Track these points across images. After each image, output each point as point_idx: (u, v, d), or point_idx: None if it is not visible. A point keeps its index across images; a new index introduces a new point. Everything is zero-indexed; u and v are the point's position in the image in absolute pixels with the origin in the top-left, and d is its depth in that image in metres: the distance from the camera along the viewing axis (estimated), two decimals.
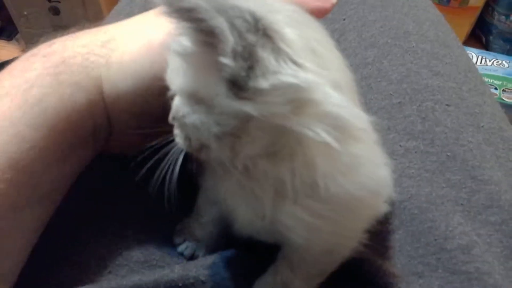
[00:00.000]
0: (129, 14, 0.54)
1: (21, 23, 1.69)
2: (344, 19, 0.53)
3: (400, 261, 0.37)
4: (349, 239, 0.30)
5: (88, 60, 0.28)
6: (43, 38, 0.32)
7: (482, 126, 0.44)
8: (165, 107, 0.26)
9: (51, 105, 0.27)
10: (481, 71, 1.51)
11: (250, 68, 0.21)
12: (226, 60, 0.21)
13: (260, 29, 0.21)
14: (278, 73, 0.21)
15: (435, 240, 0.37)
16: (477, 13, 1.61)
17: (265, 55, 0.21)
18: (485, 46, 1.74)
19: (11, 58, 1.67)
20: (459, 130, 0.43)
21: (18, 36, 1.81)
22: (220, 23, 0.20)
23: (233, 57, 0.21)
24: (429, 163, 0.41)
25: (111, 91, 0.29)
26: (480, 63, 1.53)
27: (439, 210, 0.38)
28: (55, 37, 0.31)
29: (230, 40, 0.20)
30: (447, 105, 0.44)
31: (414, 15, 0.53)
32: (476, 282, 0.34)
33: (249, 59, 0.21)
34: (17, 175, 0.26)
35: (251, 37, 0.21)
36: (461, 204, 0.39)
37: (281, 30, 0.22)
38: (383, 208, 0.30)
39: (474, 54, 1.55)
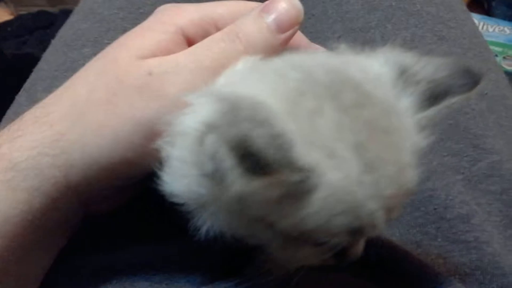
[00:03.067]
0: None
1: None
2: None
3: (399, 230, 0.37)
4: None
5: (41, 162, 0.26)
6: None
7: (486, 94, 0.43)
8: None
9: (2, 214, 0.25)
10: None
11: None
12: None
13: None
14: None
15: (435, 209, 0.36)
16: None
17: None
18: (487, 11, 1.71)
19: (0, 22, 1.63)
20: None
21: None
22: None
23: None
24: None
25: (77, 182, 0.27)
26: (482, 29, 1.50)
27: (439, 179, 0.37)
28: None
29: None
30: None
31: None
32: (475, 251, 0.34)
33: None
34: None
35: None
36: (462, 173, 0.38)
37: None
38: None
39: (476, 20, 1.52)
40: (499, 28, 1.47)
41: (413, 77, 0.24)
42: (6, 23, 1.66)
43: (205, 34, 0.28)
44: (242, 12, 0.28)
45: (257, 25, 0.27)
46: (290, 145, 0.19)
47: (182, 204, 0.25)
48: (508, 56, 1.38)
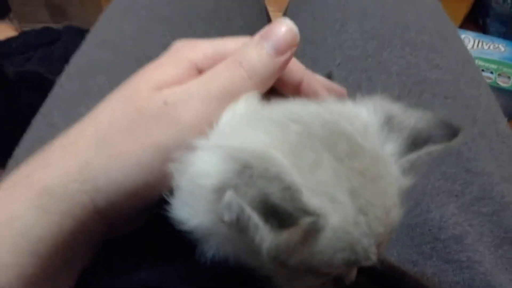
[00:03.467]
0: (130, 4, 0.55)
1: (14, 2, 1.68)
2: (345, 9, 0.54)
3: (397, 250, 0.39)
4: None
5: (70, 188, 0.28)
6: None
7: (477, 119, 0.45)
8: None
9: (36, 236, 0.27)
10: (478, 55, 1.51)
11: None
12: None
13: None
14: None
15: (430, 230, 0.39)
16: None
17: None
18: (482, 28, 1.75)
19: (4, 38, 1.66)
20: (456, 123, 0.44)
21: (10, 15, 1.79)
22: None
23: None
24: None
25: (104, 206, 0.29)
26: (477, 46, 1.53)
27: (434, 202, 0.40)
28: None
29: None
30: (445, 97, 0.46)
31: (414, 6, 0.54)
32: (468, 270, 0.36)
33: None
34: None
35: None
36: (455, 196, 0.40)
37: None
38: None
39: (470, 38, 1.56)
40: (494, 45, 1.50)
41: (397, 125, 0.27)
42: (11, 40, 1.69)
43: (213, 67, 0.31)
44: None
45: (257, 52, 0.29)
46: (300, 195, 0.21)
47: (189, 231, 0.27)
48: (503, 73, 1.41)
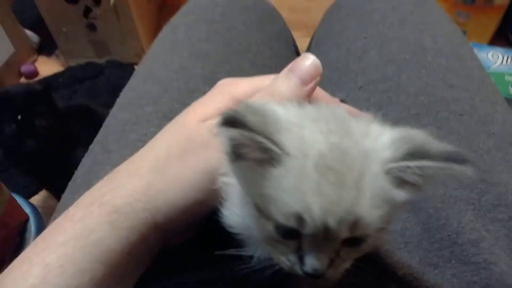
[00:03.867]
0: (172, 42, 0.61)
1: (60, 39, 1.80)
2: (365, 37, 0.59)
3: (418, 254, 0.42)
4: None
5: (136, 207, 0.33)
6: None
7: (493, 133, 0.48)
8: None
9: (107, 247, 0.32)
10: (507, 70, 1.52)
11: None
12: None
13: None
14: None
15: (448, 235, 0.42)
16: (503, 11, 1.61)
17: None
18: None
19: (52, 73, 1.78)
20: (471, 137, 0.47)
21: (57, 51, 1.91)
22: None
23: None
24: None
25: (163, 221, 0.34)
26: (506, 62, 1.54)
27: (452, 209, 0.43)
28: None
29: None
30: (460, 115, 0.49)
31: (431, 30, 0.58)
32: (484, 271, 0.39)
33: None
34: None
35: None
36: (472, 204, 0.43)
37: None
38: None
39: (499, 54, 1.57)
40: None
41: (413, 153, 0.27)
42: (58, 75, 1.81)
43: None
44: None
45: (285, 83, 0.34)
46: (277, 129, 0.26)
47: (237, 234, 0.32)
48: None
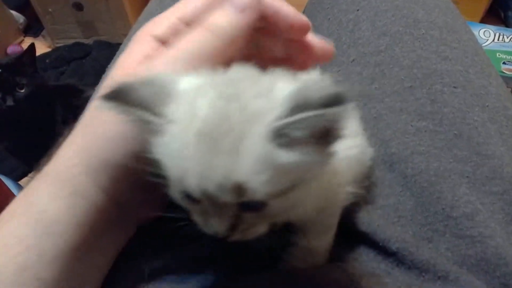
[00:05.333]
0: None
1: (47, 20, 1.76)
2: (357, 10, 0.57)
3: (412, 228, 0.42)
4: (334, 196, 0.36)
5: (74, 171, 0.32)
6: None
7: (487, 106, 0.48)
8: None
9: (52, 218, 0.31)
10: (499, 48, 1.51)
11: None
12: None
13: None
14: None
15: (443, 209, 0.41)
16: None
17: None
18: (504, 21, 1.74)
19: (38, 54, 1.75)
20: (466, 110, 0.47)
21: (44, 32, 1.88)
22: None
23: None
24: (438, 141, 0.45)
25: (107, 185, 0.33)
26: (498, 40, 1.53)
27: (446, 183, 0.42)
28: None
29: None
30: (454, 87, 0.48)
31: (424, 3, 0.56)
32: (479, 244, 0.39)
33: None
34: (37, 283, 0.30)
35: None
36: (467, 177, 0.43)
37: None
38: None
39: (491, 31, 1.56)
40: None
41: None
42: (45, 55, 1.78)
43: (177, 33, 0.33)
44: (209, 6, 0.34)
45: (222, 16, 0.32)
46: (164, 100, 0.27)
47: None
48: None
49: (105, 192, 0.33)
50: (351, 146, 0.37)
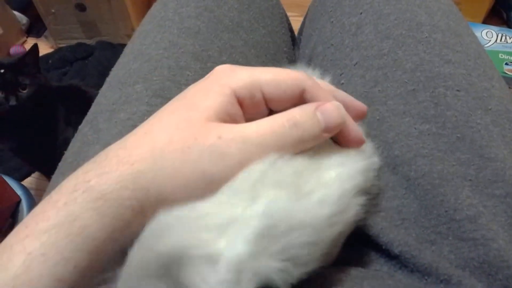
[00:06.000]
0: (162, 19, 0.60)
1: (49, 20, 1.77)
2: (361, 13, 0.57)
3: (415, 231, 0.42)
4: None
5: (123, 194, 0.31)
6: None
7: (490, 109, 0.48)
8: None
9: (92, 235, 0.31)
10: (501, 49, 1.51)
11: None
12: None
13: None
14: None
15: (446, 211, 0.41)
16: None
17: None
18: (506, 22, 1.74)
19: (41, 55, 1.75)
20: (468, 113, 0.47)
21: (46, 32, 1.89)
22: None
23: None
24: (441, 144, 0.45)
25: (150, 212, 0.32)
26: (500, 40, 1.53)
27: (449, 186, 0.42)
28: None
29: None
30: (457, 90, 0.48)
31: (427, 6, 0.56)
32: (482, 247, 0.39)
33: None
34: None
35: None
36: (470, 180, 0.43)
37: None
38: None
39: (494, 32, 1.56)
40: None
41: None
42: (48, 56, 1.79)
43: (251, 97, 0.34)
44: (285, 81, 0.34)
45: (312, 123, 0.33)
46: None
47: None
48: None
49: (144, 216, 0.33)
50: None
